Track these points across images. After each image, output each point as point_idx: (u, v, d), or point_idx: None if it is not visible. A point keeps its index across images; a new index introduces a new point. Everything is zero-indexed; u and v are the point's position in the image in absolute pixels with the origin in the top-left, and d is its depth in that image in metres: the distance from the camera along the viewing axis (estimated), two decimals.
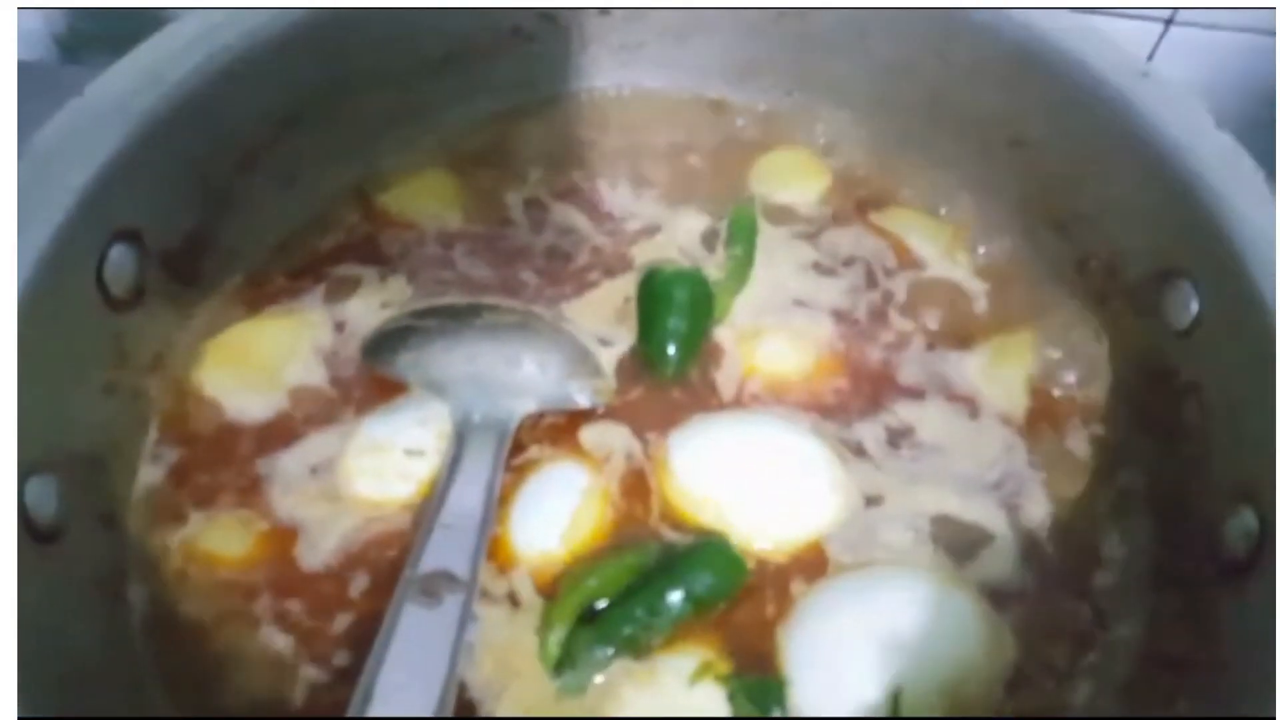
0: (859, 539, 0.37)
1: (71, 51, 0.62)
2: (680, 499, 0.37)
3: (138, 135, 0.35)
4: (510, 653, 0.33)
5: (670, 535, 0.36)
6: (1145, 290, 0.39)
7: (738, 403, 0.40)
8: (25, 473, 0.30)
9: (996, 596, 0.36)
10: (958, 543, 0.37)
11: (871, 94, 0.47)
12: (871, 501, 0.38)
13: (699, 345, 0.41)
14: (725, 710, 0.32)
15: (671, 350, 0.40)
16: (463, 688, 0.32)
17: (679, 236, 0.45)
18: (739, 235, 0.45)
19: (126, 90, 0.35)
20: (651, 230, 0.45)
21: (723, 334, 0.42)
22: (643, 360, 0.41)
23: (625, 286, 0.43)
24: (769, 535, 0.36)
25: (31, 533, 0.30)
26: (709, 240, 0.45)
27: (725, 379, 0.41)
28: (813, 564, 0.36)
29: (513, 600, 0.34)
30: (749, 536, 0.36)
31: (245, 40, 0.38)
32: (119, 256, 0.35)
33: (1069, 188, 0.42)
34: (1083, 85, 0.40)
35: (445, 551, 0.32)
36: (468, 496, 0.34)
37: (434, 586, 0.31)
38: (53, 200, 0.32)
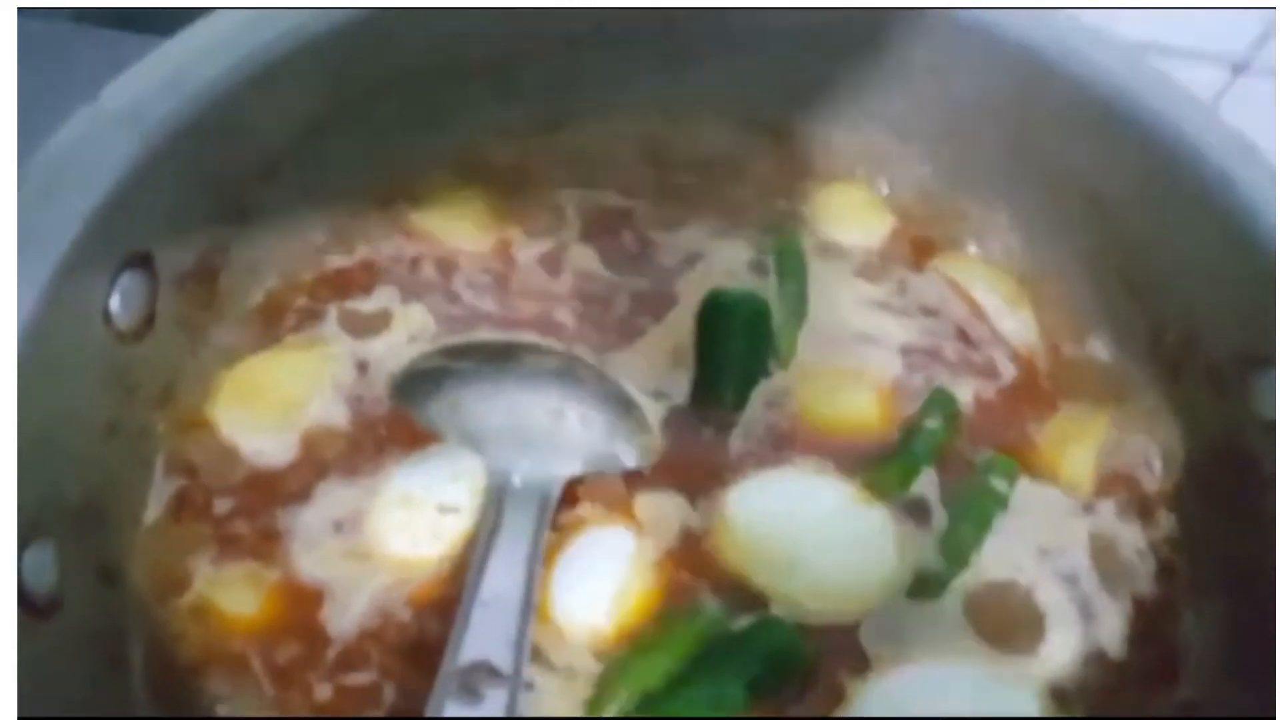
0: (907, 620, 0.34)
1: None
2: (734, 563, 0.35)
3: (155, 147, 0.31)
4: None
5: (722, 601, 0.34)
6: (1228, 373, 0.37)
7: (795, 451, 0.37)
8: (23, 540, 0.27)
9: (1058, 693, 0.34)
10: (1013, 630, 0.35)
11: (942, 132, 0.44)
12: (924, 574, 0.35)
13: (759, 375, 0.39)
14: None
15: (732, 378, 0.38)
16: None
17: (723, 264, 0.42)
18: (789, 268, 0.42)
19: (144, 96, 0.31)
20: (693, 259, 0.43)
21: (781, 373, 0.39)
22: (700, 393, 0.38)
23: (674, 331, 0.40)
24: (823, 605, 0.34)
25: (29, 609, 0.26)
26: (756, 268, 0.42)
27: (783, 423, 0.38)
28: (856, 649, 0.34)
29: (557, 675, 0.32)
30: (803, 607, 0.34)
31: (280, 42, 0.34)
32: (129, 283, 0.32)
33: (1148, 252, 0.40)
34: (1176, 153, 0.37)
35: (485, 638, 0.29)
36: (507, 573, 0.31)
37: (475, 682, 0.28)
38: (58, 226, 0.29)
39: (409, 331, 0.39)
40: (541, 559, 0.32)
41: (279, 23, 0.34)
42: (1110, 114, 0.38)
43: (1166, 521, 0.38)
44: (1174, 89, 0.38)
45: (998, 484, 0.37)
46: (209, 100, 0.32)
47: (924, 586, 0.35)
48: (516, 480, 0.34)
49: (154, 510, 0.33)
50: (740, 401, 0.38)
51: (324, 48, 0.35)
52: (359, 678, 0.31)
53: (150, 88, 0.32)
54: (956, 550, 0.36)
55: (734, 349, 0.39)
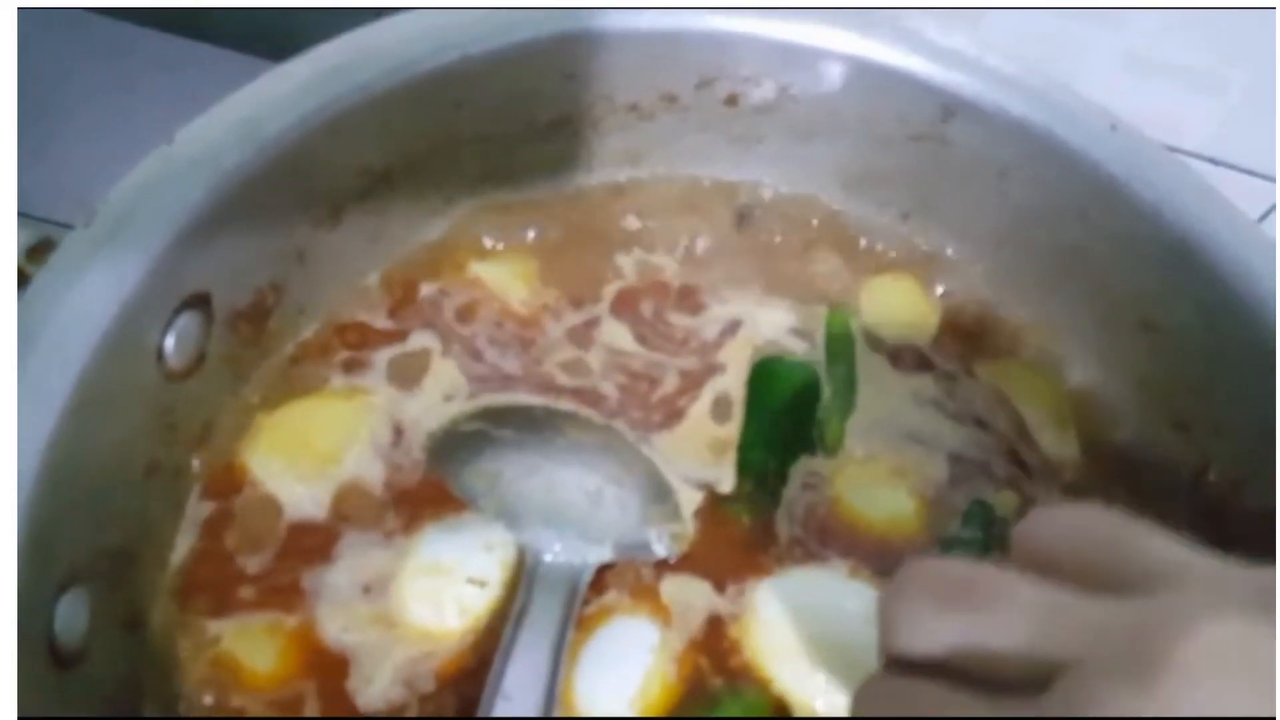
0: None
1: None
2: (755, 658, 0.34)
3: (225, 193, 0.31)
4: None
5: (739, 698, 0.33)
6: (1268, 521, 0.37)
7: (828, 547, 0.37)
8: (60, 588, 0.26)
9: None
10: None
11: (998, 235, 0.44)
12: None
13: (804, 448, 0.39)
14: None
15: (778, 445, 0.39)
16: None
17: (766, 330, 0.42)
18: (838, 352, 0.42)
19: (218, 143, 0.31)
20: (733, 326, 0.42)
21: (822, 464, 0.39)
22: (744, 458, 0.38)
23: (718, 404, 0.40)
24: (836, 712, 0.33)
25: (56, 659, 0.26)
26: (799, 335, 0.42)
27: (820, 512, 0.38)
28: None
29: None
30: (815, 711, 0.33)
31: (356, 94, 0.34)
32: (185, 323, 0.31)
33: (1199, 387, 0.39)
34: (1238, 290, 0.37)
35: None
36: (532, 663, 0.30)
37: None
38: (125, 267, 0.28)
39: (445, 389, 0.38)
40: (566, 651, 0.31)
41: (350, 78, 0.34)
42: (1173, 244, 0.38)
43: None
44: (1243, 224, 0.38)
45: None
46: (278, 150, 0.32)
47: None
48: (548, 558, 0.33)
49: (180, 553, 0.33)
50: (782, 470, 0.38)
51: (393, 104, 0.35)
52: None
53: (222, 135, 0.31)
54: None
55: (783, 415, 0.40)
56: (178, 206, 0.30)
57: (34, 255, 0.28)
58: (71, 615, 0.27)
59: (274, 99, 0.33)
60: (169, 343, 0.31)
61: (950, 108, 0.41)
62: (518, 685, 0.30)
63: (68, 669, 0.27)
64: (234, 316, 0.34)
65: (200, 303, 0.32)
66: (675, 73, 0.41)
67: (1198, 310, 0.38)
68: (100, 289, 0.28)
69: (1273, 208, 0.58)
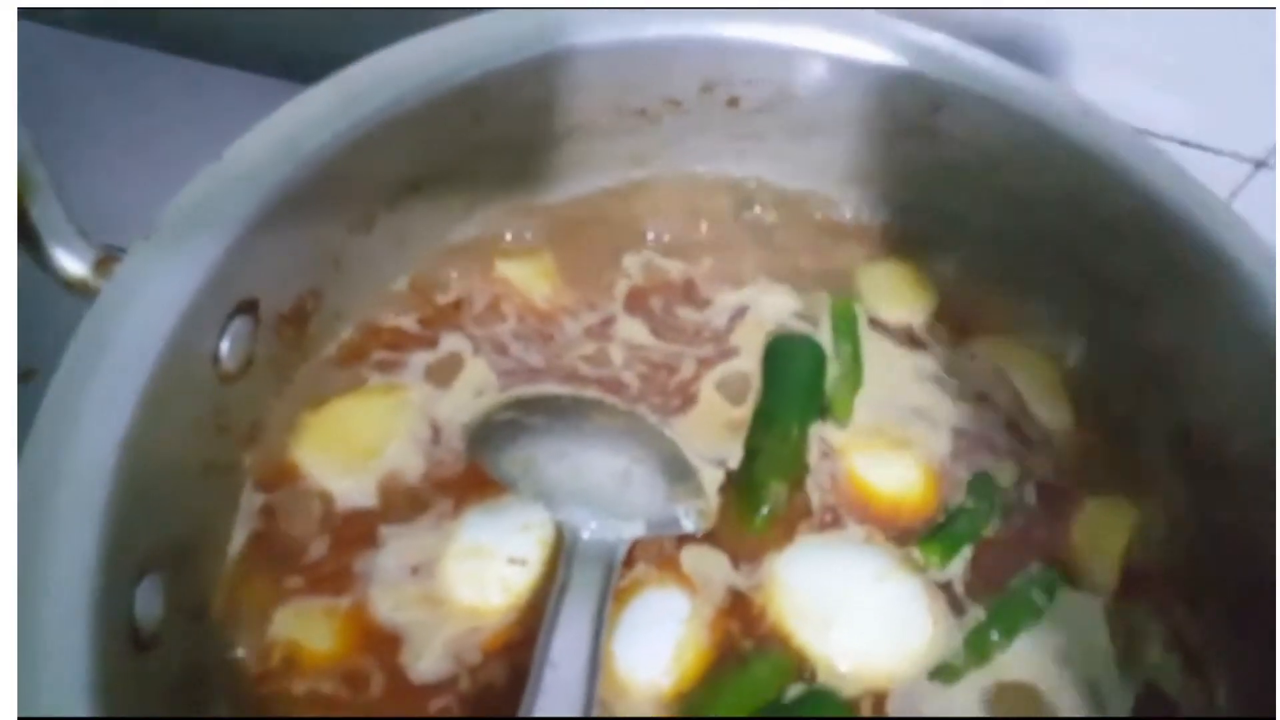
0: (928, 701, 0.36)
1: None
2: (779, 622, 0.36)
3: (269, 205, 0.33)
4: None
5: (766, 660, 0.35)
6: (1255, 468, 0.39)
7: (843, 516, 0.39)
8: (137, 575, 0.29)
9: None
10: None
11: (993, 225, 0.46)
12: (945, 660, 0.37)
13: (816, 413, 0.41)
14: None
15: (796, 409, 0.41)
16: None
17: (772, 314, 0.45)
18: (843, 331, 0.45)
19: (262, 160, 0.33)
20: (741, 311, 0.45)
21: (833, 434, 0.41)
22: (762, 423, 0.40)
23: (735, 386, 0.42)
24: (855, 669, 0.35)
25: (136, 642, 0.28)
26: (804, 319, 0.45)
27: (835, 484, 0.40)
28: None
29: None
30: (836, 670, 0.35)
31: (388, 110, 0.36)
32: (237, 329, 0.34)
33: (1185, 355, 0.42)
34: (1211, 263, 0.39)
35: (555, 698, 0.30)
36: (575, 632, 0.32)
37: None
38: (183, 278, 0.30)
39: (476, 385, 0.40)
40: (606, 619, 0.34)
41: (378, 97, 0.36)
42: (1153, 224, 0.41)
43: (1184, 622, 0.39)
44: (1215, 203, 0.41)
45: (1037, 596, 0.38)
46: (316, 164, 0.34)
47: (943, 671, 0.36)
48: (585, 536, 0.35)
49: (237, 545, 0.35)
50: (803, 429, 0.41)
51: (418, 120, 0.37)
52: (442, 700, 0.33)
53: (267, 152, 0.33)
54: (981, 647, 0.37)
55: (798, 385, 0.42)
56: (229, 218, 0.32)
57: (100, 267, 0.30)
58: (148, 601, 0.29)
59: (310, 118, 0.35)
60: (224, 347, 0.33)
61: (937, 101, 0.44)
62: (563, 653, 0.32)
63: (145, 651, 0.29)
64: (279, 321, 0.37)
65: (250, 308, 0.34)
66: (679, 79, 0.44)
67: (1178, 283, 0.41)
68: (162, 297, 0.30)
69: (1241, 186, 0.61)
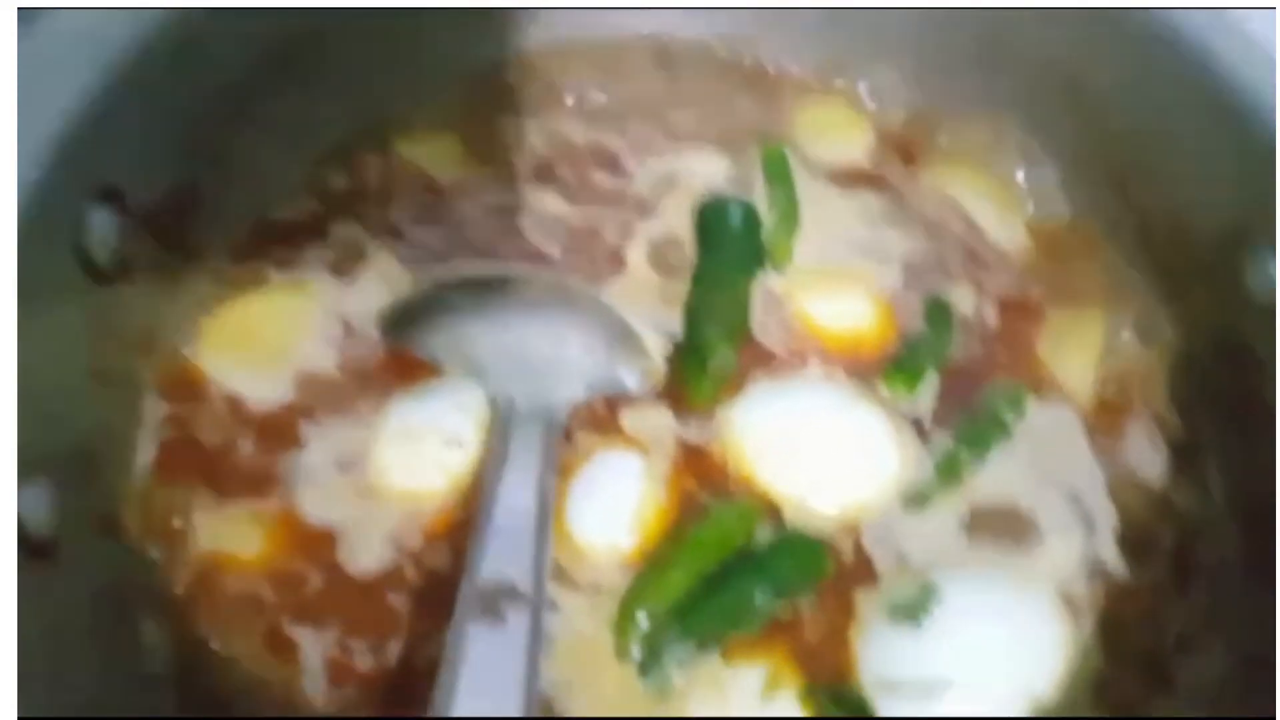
0: (903, 530, 0.34)
1: None
2: (741, 471, 0.34)
3: (113, 73, 0.30)
4: (585, 646, 0.30)
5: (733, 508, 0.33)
6: (1219, 257, 0.36)
7: (796, 359, 0.37)
8: (19, 479, 0.26)
9: (1068, 598, 0.33)
10: (1012, 544, 0.35)
11: (919, 39, 0.43)
12: (916, 486, 0.35)
13: (757, 268, 0.39)
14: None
15: (735, 268, 0.39)
16: None
17: (703, 181, 0.42)
18: (776, 175, 0.42)
19: (97, 19, 0.30)
20: (671, 180, 0.42)
21: (778, 282, 0.39)
22: (702, 287, 0.38)
23: (665, 256, 0.39)
24: (825, 504, 0.34)
25: (27, 547, 0.25)
26: (737, 184, 0.42)
27: (784, 329, 0.38)
28: (864, 560, 0.33)
29: (582, 593, 0.32)
30: (805, 507, 0.33)
31: None
32: (100, 221, 0.30)
33: (1134, 142, 0.39)
34: (1156, 33, 0.36)
35: (503, 559, 0.28)
36: (519, 495, 0.30)
37: (495, 603, 0.27)
38: (24, 151, 0.27)
39: (383, 274, 0.37)
40: (554, 479, 0.31)
41: None
42: (1136, 32, 0.38)
43: (1169, 420, 0.37)
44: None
45: (1004, 412, 0.36)
46: (168, 26, 0.31)
47: (915, 497, 0.35)
48: (522, 404, 0.33)
49: (146, 457, 0.32)
50: (746, 288, 0.38)
51: None
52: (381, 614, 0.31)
53: (108, 13, 0.30)
54: (951, 468, 0.35)
55: (733, 244, 0.40)
56: (66, 88, 0.28)
57: None
58: (35, 505, 0.26)
59: None
60: (87, 240, 0.30)
61: None
62: (509, 516, 0.29)
63: (41, 558, 0.26)
64: (150, 217, 0.33)
65: (111, 196, 0.31)
66: None
67: (1117, 61, 0.38)
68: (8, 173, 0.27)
69: None
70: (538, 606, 0.28)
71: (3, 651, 0.22)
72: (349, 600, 0.31)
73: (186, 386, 0.34)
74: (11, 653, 0.23)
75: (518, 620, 0.27)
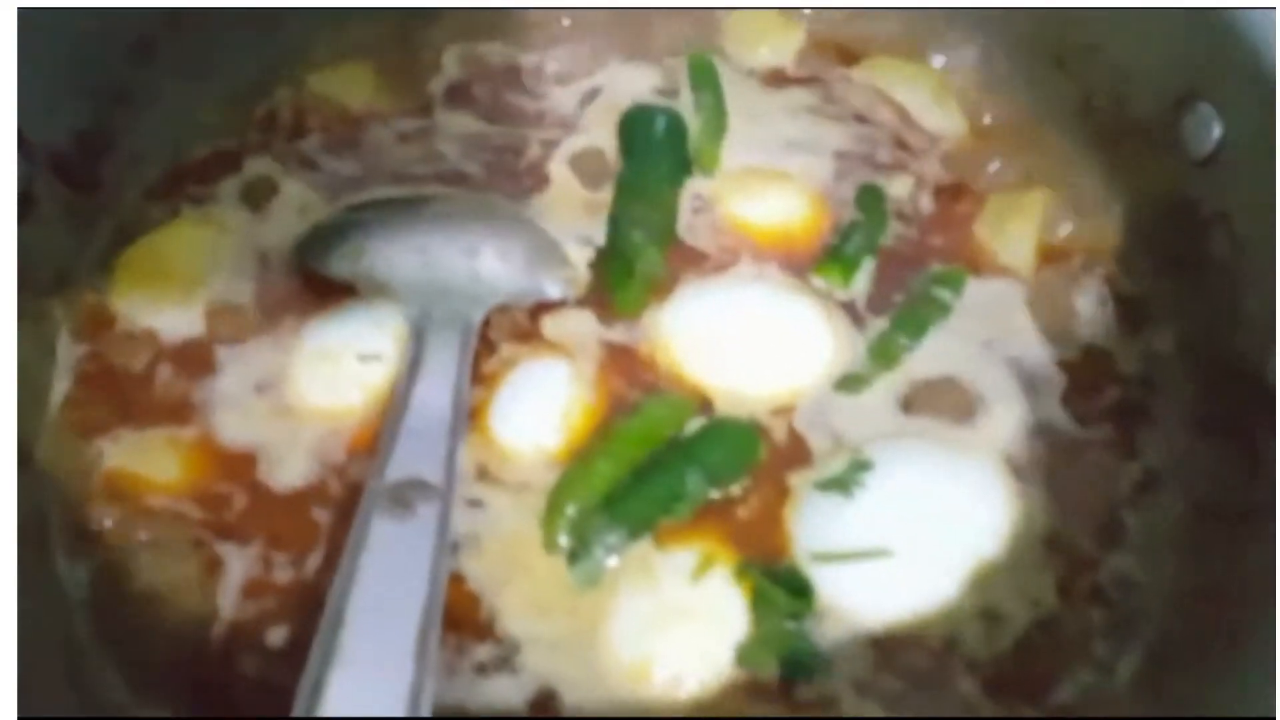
0: (837, 411, 0.33)
1: None
2: (670, 367, 0.34)
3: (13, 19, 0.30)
4: (514, 542, 0.30)
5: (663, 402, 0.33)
6: (1159, 121, 0.35)
7: (728, 257, 0.36)
8: None
9: (1013, 463, 0.32)
10: (953, 410, 0.33)
11: None
12: (850, 371, 0.34)
13: (684, 176, 0.38)
14: (738, 606, 0.29)
15: (661, 177, 0.38)
16: (462, 579, 0.29)
17: (627, 93, 0.41)
18: (702, 81, 0.41)
19: None
20: (593, 94, 0.41)
21: (706, 185, 0.38)
22: (627, 195, 0.37)
23: (589, 167, 0.38)
24: (766, 395, 0.33)
25: None
26: (663, 94, 0.41)
27: (713, 230, 0.37)
28: (798, 442, 0.32)
29: (509, 491, 0.31)
30: (738, 395, 0.33)
31: None
32: None
33: (1067, 17, 0.38)
34: None
35: (414, 458, 0.28)
36: (434, 399, 0.30)
37: (405, 496, 0.27)
38: None
39: (297, 204, 0.37)
40: (468, 383, 0.31)
41: None
42: None
43: (1116, 282, 0.36)
44: None
45: (941, 294, 0.35)
46: None
47: (849, 380, 0.34)
48: (436, 314, 0.32)
49: (60, 393, 0.32)
50: (672, 194, 0.37)
51: None
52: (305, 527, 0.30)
53: None
54: (886, 352, 0.34)
55: (657, 151, 0.39)
56: None
57: None
58: None
59: None
60: None
61: None
62: (422, 417, 0.29)
63: None
64: (58, 161, 0.33)
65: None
66: None
67: None
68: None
69: None
70: (448, 499, 0.27)
71: (2, 651, 0.22)
72: (273, 516, 0.30)
73: (101, 326, 0.33)
74: (11, 653, 0.22)
75: (427, 511, 0.27)
